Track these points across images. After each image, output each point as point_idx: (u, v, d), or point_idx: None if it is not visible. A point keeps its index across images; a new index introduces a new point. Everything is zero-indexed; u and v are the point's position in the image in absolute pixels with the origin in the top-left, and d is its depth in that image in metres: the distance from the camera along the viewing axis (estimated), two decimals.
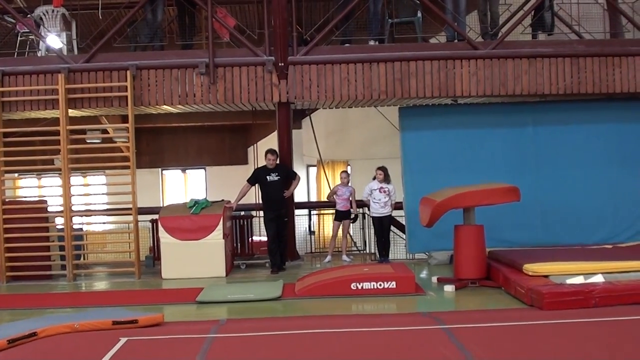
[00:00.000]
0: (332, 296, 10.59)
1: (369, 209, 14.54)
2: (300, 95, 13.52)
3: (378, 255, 14.23)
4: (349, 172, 16.92)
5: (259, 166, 14.33)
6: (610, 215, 14.04)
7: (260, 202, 13.76)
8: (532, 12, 14.55)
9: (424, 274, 12.63)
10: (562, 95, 14.07)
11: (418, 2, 14.04)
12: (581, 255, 11.28)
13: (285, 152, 13.92)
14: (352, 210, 14.57)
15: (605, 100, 14.65)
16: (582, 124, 14.29)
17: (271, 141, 17.09)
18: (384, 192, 13.90)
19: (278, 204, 13.51)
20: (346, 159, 22.24)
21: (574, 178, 13.93)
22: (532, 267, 10.40)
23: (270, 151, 13.60)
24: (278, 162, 13.54)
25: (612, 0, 14.62)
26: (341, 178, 14.79)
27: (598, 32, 14.86)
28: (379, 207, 13.94)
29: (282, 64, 13.36)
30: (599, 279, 9.98)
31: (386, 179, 14.01)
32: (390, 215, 14.17)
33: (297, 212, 15.31)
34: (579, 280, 9.94)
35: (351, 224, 15.12)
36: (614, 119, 14.38)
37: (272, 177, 13.42)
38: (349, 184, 14.66)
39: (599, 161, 14.15)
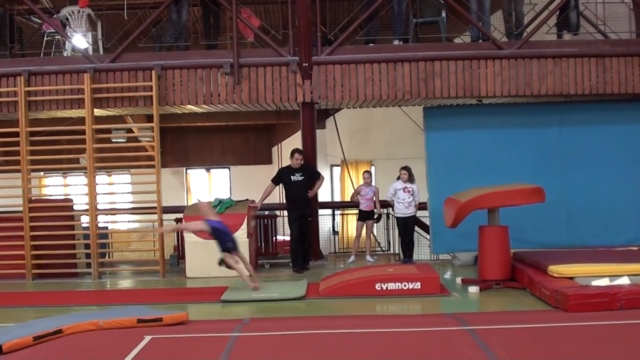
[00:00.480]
0: (356, 296, 10.60)
1: (393, 209, 14.49)
2: (325, 95, 13.54)
3: (402, 256, 14.19)
4: (371, 172, 16.76)
5: (283, 166, 14.32)
6: (635, 217, 13.93)
7: (285, 201, 13.78)
8: (557, 12, 14.47)
9: (448, 275, 12.61)
10: (587, 96, 14.00)
11: (442, 1, 14.00)
12: (607, 257, 11.20)
13: (309, 152, 13.93)
14: (375, 210, 14.56)
15: (631, 100, 14.54)
16: (607, 125, 14.19)
17: (295, 141, 17.14)
18: (408, 192, 13.87)
19: (302, 204, 13.53)
20: (370, 159, 22.22)
21: (599, 179, 13.83)
22: (557, 269, 10.35)
23: (297, 150, 13.64)
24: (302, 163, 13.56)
25: None
26: (364, 178, 14.79)
27: (624, 32, 14.74)
28: (403, 207, 13.90)
29: (306, 64, 13.39)
30: (624, 281, 9.91)
31: (410, 179, 13.99)
32: (415, 215, 14.15)
33: (320, 212, 15.29)
34: (604, 282, 9.88)
35: (375, 224, 15.07)
36: (639, 120, 14.28)
37: (297, 177, 13.44)
38: (372, 184, 14.64)
39: (624, 162, 14.04)
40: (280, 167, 14.91)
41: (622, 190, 13.97)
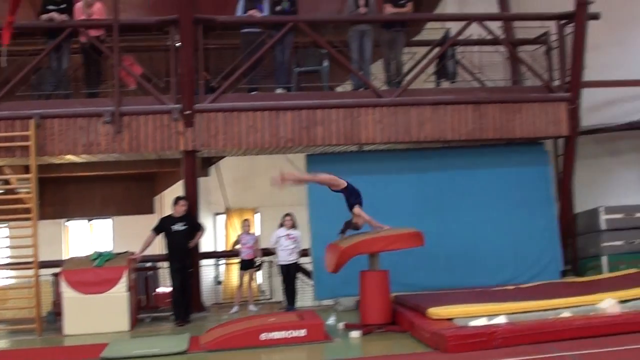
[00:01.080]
0: (241, 348, 10.45)
1: (275, 257, 14.45)
2: (207, 144, 13.49)
3: (286, 303, 14.16)
4: (251, 220, 16.61)
5: (164, 215, 14.14)
6: (511, 257, 14.38)
7: (166, 252, 13.58)
8: (436, 61, 14.92)
9: (331, 321, 12.57)
10: (464, 141, 14.43)
11: (324, 51, 14.24)
12: (484, 297, 11.52)
13: (191, 201, 13.73)
14: (256, 258, 14.54)
15: (506, 145, 15.08)
16: (484, 168, 14.69)
17: (178, 190, 16.95)
18: (291, 239, 13.95)
19: (183, 254, 13.32)
20: (254, 207, 22.17)
21: (477, 221, 14.24)
22: (435, 311, 10.55)
23: (181, 198, 13.50)
24: (185, 212, 13.42)
25: (512, 48, 15.11)
26: (244, 226, 14.77)
27: (499, 80, 15.31)
28: (286, 255, 13.92)
29: (189, 112, 13.31)
30: (501, 320, 10.18)
31: (293, 225, 14.05)
32: (297, 262, 14.19)
33: (203, 262, 15.14)
34: (482, 322, 10.12)
35: (257, 273, 15.02)
36: (514, 163, 14.86)
37: (178, 227, 13.25)
38: (253, 232, 14.67)
39: (501, 204, 14.53)
40: (162, 216, 14.62)
41: (498, 232, 14.42)
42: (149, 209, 23.55)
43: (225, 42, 15.27)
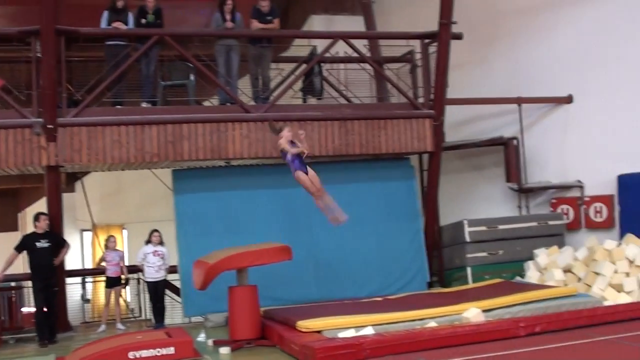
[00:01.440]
0: None
1: (143, 274, 14.21)
2: (70, 159, 13.06)
3: (154, 321, 13.92)
4: (116, 237, 15.96)
5: (27, 232, 13.65)
6: (379, 269, 14.61)
7: (29, 271, 13.09)
8: (303, 77, 15.04)
9: (201, 337, 12.44)
10: (331, 156, 14.56)
11: (191, 65, 14.12)
12: (352, 309, 11.69)
13: (55, 217, 13.32)
14: (122, 275, 14.26)
15: (373, 160, 15.33)
16: (351, 183, 14.86)
17: (42, 206, 16.38)
18: (159, 255, 13.67)
19: (47, 272, 12.84)
20: (122, 223, 21.81)
21: (345, 235, 14.34)
22: (304, 324, 10.63)
23: (42, 214, 13.07)
24: (48, 228, 13.02)
25: (377, 66, 15.38)
26: (108, 243, 14.42)
27: (365, 97, 15.55)
28: (154, 272, 13.63)
29: (51, 126, 12.89)
30: (369, 331, 10.36)
31: (161, 242, 13.82)
32: (165, 279, 13.95)
33: (69, 279, 14.75)
34: (350, 333, 10.26)
35: (124, 290, 14.71)
36: (381, 178, 15.15)
37: (42, 244, 12.80)
38: (118, 249, 14.39)
39: (368, 218, 14.72)
40: (26, 233, 14.09)
41: (366, 245, 14.64)
42: (13, 226, 22.82)
43: (89, 55, 14.91)
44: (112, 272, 14.10)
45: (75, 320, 15.35)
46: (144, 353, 10.43)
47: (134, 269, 14.45)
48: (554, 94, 15.99)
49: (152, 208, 20.41)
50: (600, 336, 10.20)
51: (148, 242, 13.81)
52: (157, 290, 13.77)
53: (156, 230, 13.87)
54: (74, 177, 18.34)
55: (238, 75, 14.54)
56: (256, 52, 14.39)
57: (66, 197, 14.03)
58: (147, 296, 14.34)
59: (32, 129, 12.85)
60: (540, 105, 16.32)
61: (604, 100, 15.08)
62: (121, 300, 14.97)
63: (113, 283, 14.17)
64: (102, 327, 14.01)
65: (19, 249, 12.98)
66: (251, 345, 11.23)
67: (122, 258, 14.26)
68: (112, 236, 14.86)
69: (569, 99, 15.87)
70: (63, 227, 13.83)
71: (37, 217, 13.04)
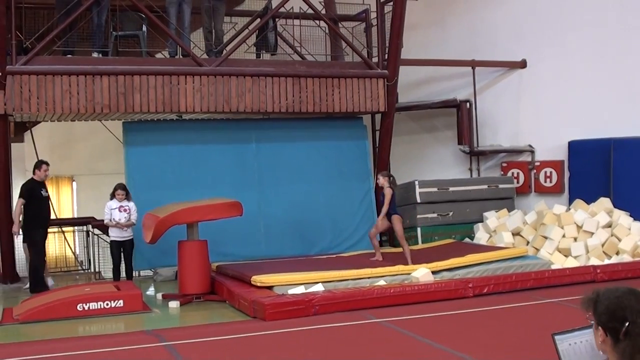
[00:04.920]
0: (58, 319, 10.07)
1: (107, 232, 13.35)
2: (19, 108, 12.75)
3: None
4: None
5: (30, 179, 12.98)
6: (330, 227, 14.65)
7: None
8: (257, 32, 14.88)
9: (150, 291, 12.41)
10: (284, 114, 14.49)
11: (143, 15, 13.88)
12: (303, 266, 11.74)
13: (3, 168, 13.09)
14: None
15: (325, 119, 15.30)
16: (303, 141, 14.87)
17: None
18: (125, 210, 12.58)
19: (48, 223, 12.84)
20: (71, 174, 21.54)
21: (296, 193, 14.40)
22: (259, 279, 10.63)
23: (44, 162, 12.79)
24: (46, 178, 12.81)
25: (332, 24, 15.28)
26: None
27: (320, 55, 15.45)
28: (119, 230, 12.57)
29: (0, 74, 12.62)
30: (319, 287, 10.42)
31: (127, 196, 12.77)
32: (132, 239, 12.77)
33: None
34: (300, 290, 10.30)
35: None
36: (333, 137, 15.12)
37: (45, 193, 12.62)
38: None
39: (319, 176, 14.75)
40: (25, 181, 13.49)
41: (317, 203, 14.64)
42: None
43: (39, 2, 14.56)
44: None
45: (23, 271, 15.11)
46: (93, 305, 10.39)
47: (81, 222, 14.19)
48: (509, 58, 16.10)
49: (103, 161, 20.20)
50: (546, 299, 10.40)
51: (112, 197, 12.76)
52: (125, 250, 12.68)
53: (121, 187, 12.79)
54: (23, 127, 17.97)
55: (190, 27, 14.33)
56: (209, 4, 14.16)
57: (15, 147, 13.74)
58: (96, 249, 14.08)
59: None
60: (494, 69, 16.43)
61: (558, 67, 15.23)
62: (68, 252, 14.65)
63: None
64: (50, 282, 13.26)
65: (25, 197, 12.47)
66: (200, 300, 11.22)
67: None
68: None
69: (523, 64, 15.99)
70: (11, 178, 13.58)
71: (39, 165, 12.72)
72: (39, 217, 12.66)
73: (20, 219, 12.53)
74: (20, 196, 12.55)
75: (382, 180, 12.51)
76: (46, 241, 13.01)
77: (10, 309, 10.88)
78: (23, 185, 12.80)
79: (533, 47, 15.76)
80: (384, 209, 12.33)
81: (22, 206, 12.44)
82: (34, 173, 12.85)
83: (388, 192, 12.29)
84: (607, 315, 3.50)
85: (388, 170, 15.01)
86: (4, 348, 8.68)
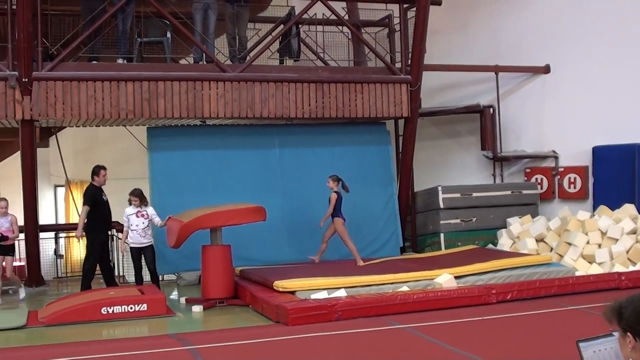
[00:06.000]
0: (82, 322, 10.21)
1: (125, 239, 13.04)
2: (45, 113, 12.89)
3: None
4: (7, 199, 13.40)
5: (88, 186, 13.02)
6: (353, 233, 14.56)
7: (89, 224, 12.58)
8: (280, 38, 14.94)
9: (174, 295, 12.53)
10: (307, 119, 14.54)
11: (167, 22, 13.98)
12: (326, 271, 11.71)
13: (29, 172, 13.23)
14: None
15: (348, 124, 15.31)
16: (326, 147, 14.90)
17: (16, 160, 16.35)
18: (143, 216, 12.33)
19: (109, 227, 13.02)
20: None
21: (319, 197, 14.36)
22: (281, 284, 10.66)
23: (103, 168, 12.85)
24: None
25: (355, 30, 15.30)
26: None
27: (342, 60, 15.48)
28: (138, 236, 12.25)
29: (26, 80, 12.70)
30: (341, 293, 10.43)
31: (143, 202, 12.48)
32: (152, 245, 12.51)
33: (43, 235, 14.62)
34: (323, 295, 10.32)
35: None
36: (355, 142, 15.14)
37: (105, 197, 12.72)
38: (10, 213, 12.71)
39: None
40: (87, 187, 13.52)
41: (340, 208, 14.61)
42: None
43: (65, 9, 14.69)
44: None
45: (48, 275, 15.28)
46: (117, 309, 10.47)
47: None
48: (532, 63, 16.04)
49: (127, 165, 20.26)
50: (570, 305, 10.35)
51: (130, 203, 12.51)
52: (146, 256, 12.42)
53: (134, 193, 12.43)
54: (48, 132, 18.13)
55: (215, 34, 14.41)
56: (233, 11, 14.25)
57: (40, 152, 13.86)
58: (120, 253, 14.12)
59: (7, 82, 12.68)
60: (517, 74, 16.37)
61: (582, 72, 15.16)
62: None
63: (5, 251, 12.47)
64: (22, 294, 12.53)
65: (89, 203, 12.50)
66: (223, 304, 11.30)
67: (13, 223, 12.52)
68: (4, 199, 12.90)
69: (546, 69, 15.93)
70: (37, 182, 13.71)
71: (97, 171, 12.79)
72: (101, 222, 12.73)
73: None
74: (84, 203, 12.61)
75: (332, 184, 13.04)
76: (108, 244, 13.18)
77: (35, 311, 10.97)
78: (86, 192, 12.86)
79: (556, 52, 15.70)
80: (327, 213, 12.97)
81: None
82: (93, 179, 12.89)
83: (333, 197, 12.92)
84: (635, 318, 3.48)
85: (411, 176, 15.04)
86: (29, 350, 8.82)
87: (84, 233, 12.61)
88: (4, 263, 12.65)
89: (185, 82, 13.44)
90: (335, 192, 13.00)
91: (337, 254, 14.11)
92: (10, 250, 12.57)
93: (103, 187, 12.85)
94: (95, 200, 12.60)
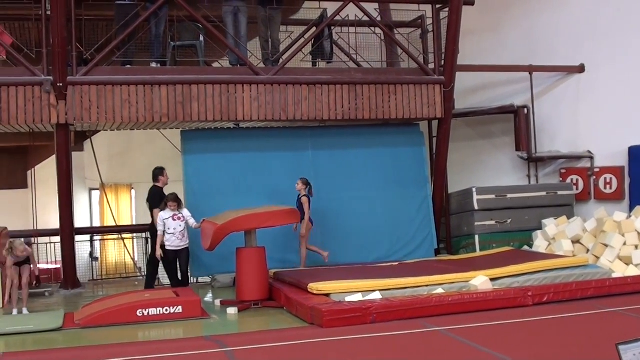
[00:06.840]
0: (117, 324, 10.28)
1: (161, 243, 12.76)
2: (80, 117, 13.03)
3: None
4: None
5: (154, 189, 13.13)
6: (387, 235, 14.63)
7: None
8: (312, 41, 14.94)
9: (208, 298, 12.55)
10: (340, 121, 14.51)
11: (200, 26, 14.04)
12: (360, 274, 11.70)
13: (64, 176, 13.36)
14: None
15: (382, 125, 15.28)
16: (359, 148, 14.87)
17: (52, 164, 16.47)
18: (179, 219, 12.31)
19: None
20: (130, 182, 21.83)
21: (353, 200, 14.43)
22: (316, 286, 10.65)
23: (163, 168, 13.14)
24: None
25: (388, 31, 15.27)
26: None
27: (375, 61, 15.45)
28: (176, 240, 12.27)
29: (61, 84, 12.83)
30: (376, 296, 10.40)
31: (180, 206, 12.46)
32: (188, 247, 12.57)
33: (78, 237, 14.73)
34: (357, 297, 10.30)
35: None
36: (389, 144, 15.09)
37: None
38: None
39: (376, 183, 14.77)
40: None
41: (374, 210, 14.67)
42: (22, 184, 22.78)
43: (99, 14, 14.81)
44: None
45: (83, 277, 15.40)
46: (152, 311, 10.52)
47: (139, 229, 14.30)
48: (567, 62, 15.88)
49: None
50: (607, 308, 10.23)
51: (165, 207, 12.45)
52: (181, 258, 12.51)
53: (172, 198, 12.38)
54: (83, 136, 18.27)
55: (247, 37, 14.44)
56: (266, 14, 14.28)
57: (75, 155, 13.97)
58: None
59: (42, 86, 12.81)
60: (552, 74, 16.23)
61: (617, 71, 14.98)
62: (127, 258, 14.57)
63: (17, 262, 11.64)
64: (15, 312, 11.36)
65: (160, 205, 12.56)
66: (258, 306, 11.31)
67: (31, 256, 11.81)
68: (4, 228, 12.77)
69: (581, 68, 15.77)
70: (72, 186, 13.83)
71: (161, 172, 13.04)
72: None
73: None
74: (155, 206, 12.78)
75: (301, 186, 13.30)
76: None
77: (71, 314, 11.04)
78: (154, 195, 13.03)
79: (591, 51, 15.54)
80: (306, 217, 13.10)
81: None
82: (157, 180, 13.11)
83: (306, 201, 13.15)
84: None
85: (445, 177, 14.99)
86: (65, 352, 8.90)
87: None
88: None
89: (218, 86, 13.51)
90: (305, 195, 13.18)
91: (370, 257, 14.12)
92: (25, 262, 11.75)
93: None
94: (161, 202, 12.65)
